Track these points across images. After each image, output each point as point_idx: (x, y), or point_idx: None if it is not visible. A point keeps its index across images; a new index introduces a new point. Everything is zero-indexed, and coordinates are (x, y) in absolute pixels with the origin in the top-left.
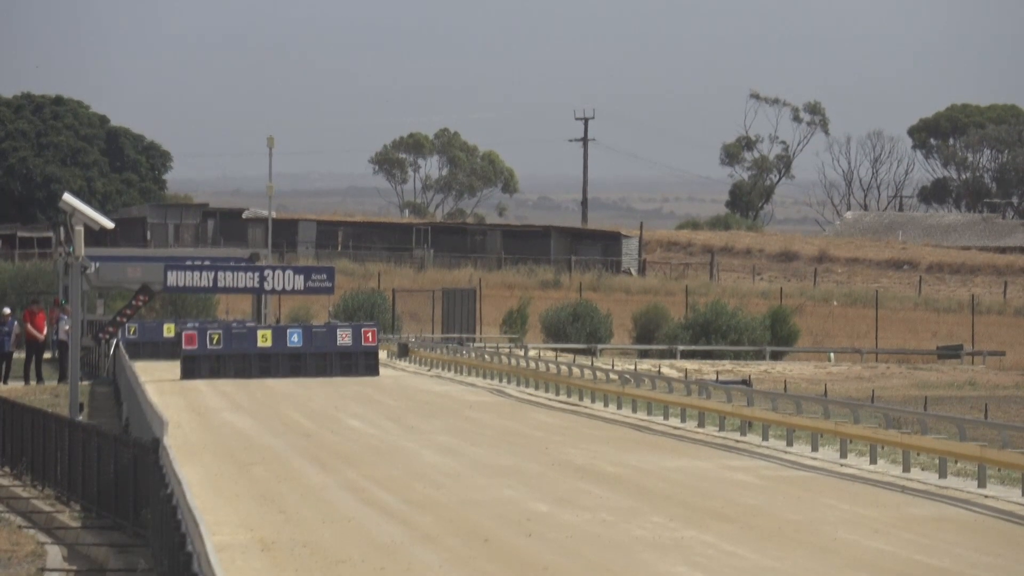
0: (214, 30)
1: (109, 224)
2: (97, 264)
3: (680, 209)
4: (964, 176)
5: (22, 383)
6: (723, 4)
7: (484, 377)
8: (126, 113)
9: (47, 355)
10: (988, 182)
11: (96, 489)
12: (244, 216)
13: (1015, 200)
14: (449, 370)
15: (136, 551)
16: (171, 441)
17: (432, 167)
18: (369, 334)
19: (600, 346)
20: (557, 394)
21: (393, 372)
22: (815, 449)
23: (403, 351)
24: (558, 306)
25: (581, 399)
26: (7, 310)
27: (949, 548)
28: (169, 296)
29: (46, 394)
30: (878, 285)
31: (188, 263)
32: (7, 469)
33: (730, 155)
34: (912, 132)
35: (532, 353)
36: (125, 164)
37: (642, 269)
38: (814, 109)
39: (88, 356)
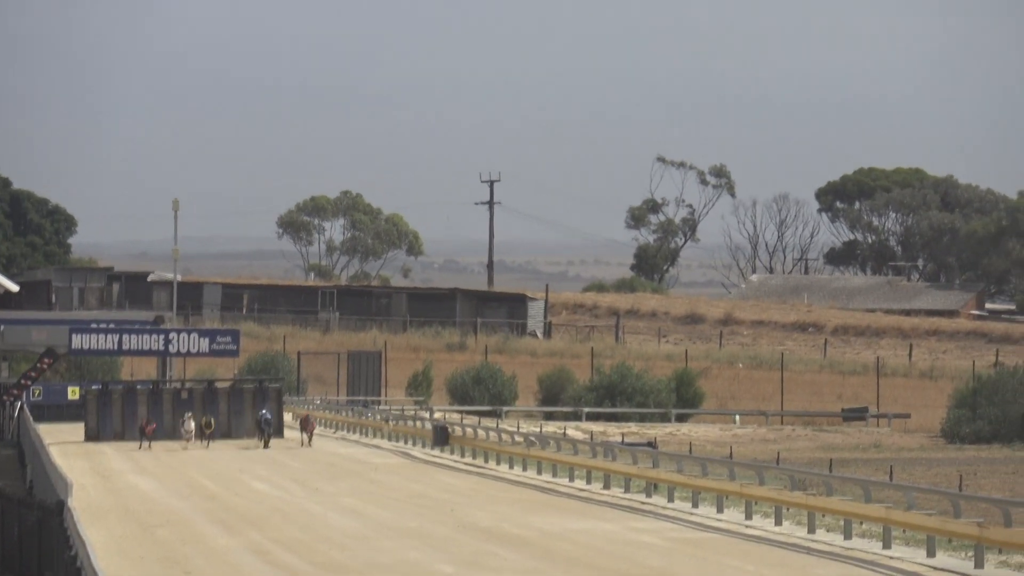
0: (116, 92)
1: (14, 287)
2: (2, 327)
3: (586, 272)
4: (870, 239)
5: None
6: (629, 68)
7: (389, 439)
8: (29, 176)
9: None
10: (894, 245)
11: (0, 551)
12: (149, 279)
13: (920, 263)
14: (355, 432)
15: None
16: (76, 503)
17: (336, 230)
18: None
19: (505, 408)
20: (463, 456)
21: (297, 434)
22: (720, 511)
23: (442, 437)
24: (463, 369)
25: (486, 461)
26: None
27: None
28: (74, 359)
29: None
30: (783, 348)
31: (93, 326)
32: None
33: (636, 218)
34: (819, 195)
35: (437, 415)
36: (29, 227)
37: (548, 331)
38: (720, 172)
39: None
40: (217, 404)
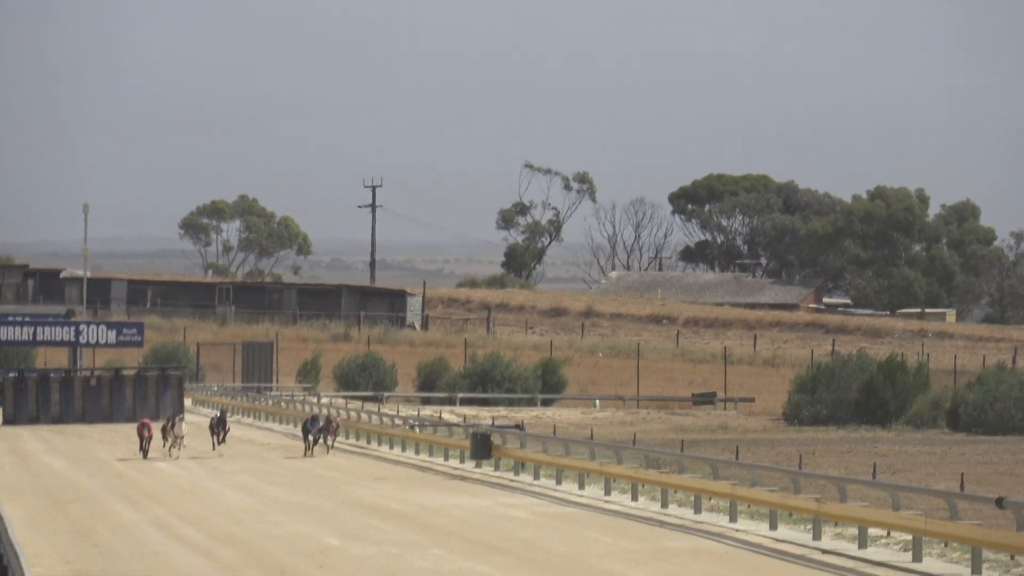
0: (30, 101)
1: None
2: None
3: (460, 269)
4: (719, 239)
5: None
6: (500, 79)
7: (280, 422)
8: None
9: None
10: (740, 244)
11: None
12: (61, 276)
13: (764, 261)
14: (249, 416)
15: None
16: None
17: (233, 232)
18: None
19: (386, 394)
20: (347, 438)
21: (196, 418)
22: (582, 487)
23: (482, 448)
24: (349, 358)
25: (369, 442)
26: None
27: None
28: None
29: None
30: (639, 338)
31: (9, 319)
32: None
33: (506, 220)
34: (672, 199)
35: (324, 400)
36: None
37: (425, 324)
38: (583, 178)
39: None
40: (124, 391)
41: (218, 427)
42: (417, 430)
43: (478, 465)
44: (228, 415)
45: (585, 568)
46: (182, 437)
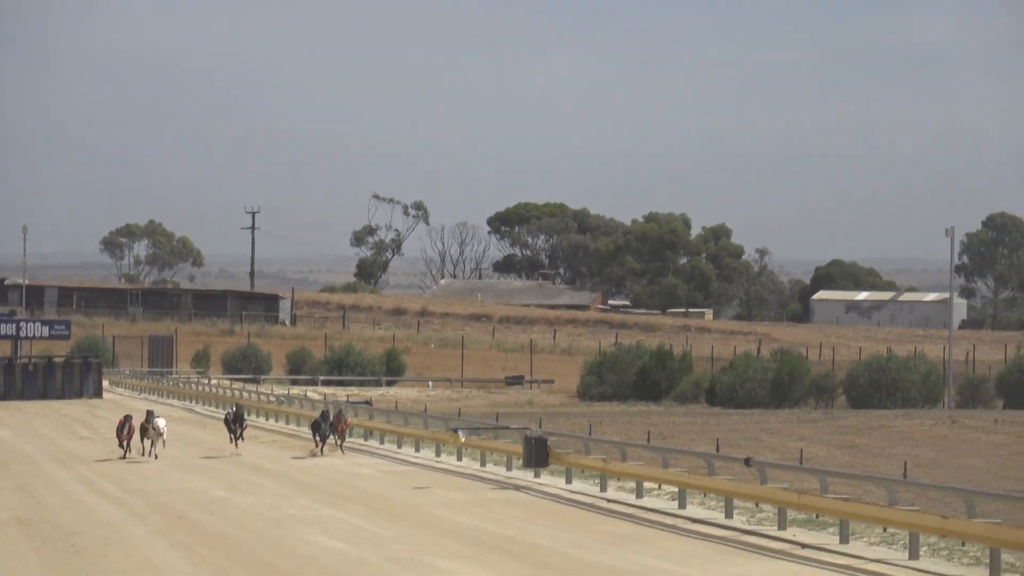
0: None
1: None
2: None
3: (321, 278)
4: (526, 254)
5: None
6: (354, 128)
7: (179, 399)
8: None
9: None
10: (543, 258)
11: None
12: (5, 283)
13: (562, 271)
14: (153, 394)
15: None
16: None
17: (142, 248)
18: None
19: (263, 376)
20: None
21: (113, 396)
22: (418, 450)
23: (538, 455)
24: (233, 348)
25: (249, 414)
26: None
27: (514, 521)
28: None
29: None
30: (463, 332)
31: None
32: None
33: (358, 239)
34: (490, 222)
35: (214, 382)
36: None
37: (294, 321)
38: (419, 206)
39: None
40: (55, 374)
41: (235, 423)
42: (461, 434)
43: (536, 475)
44: (245, 411)
45: (422, 514)
46: (162, 434)
